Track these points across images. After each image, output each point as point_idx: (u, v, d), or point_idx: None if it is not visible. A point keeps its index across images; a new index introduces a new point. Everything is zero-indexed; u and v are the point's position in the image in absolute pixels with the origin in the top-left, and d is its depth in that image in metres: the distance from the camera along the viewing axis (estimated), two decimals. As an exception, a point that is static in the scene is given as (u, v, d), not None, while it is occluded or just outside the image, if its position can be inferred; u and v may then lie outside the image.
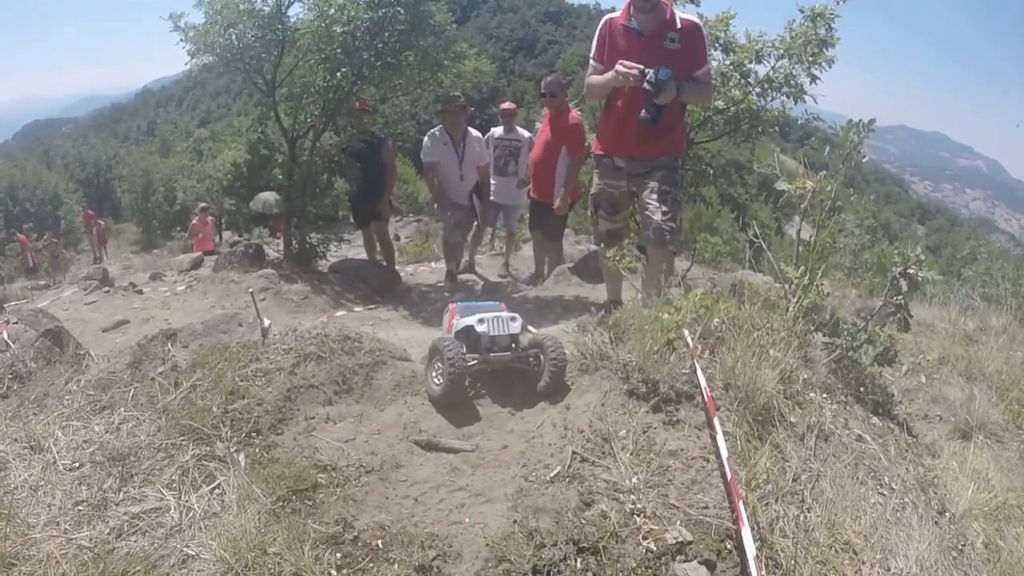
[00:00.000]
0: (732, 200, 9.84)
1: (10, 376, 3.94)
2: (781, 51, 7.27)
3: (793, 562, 2.58)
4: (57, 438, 3.17)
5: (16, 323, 5.00)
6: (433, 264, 11.03)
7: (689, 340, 3.34)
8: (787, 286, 4.08)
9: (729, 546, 2.50)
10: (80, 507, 2.73)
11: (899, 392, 4.56)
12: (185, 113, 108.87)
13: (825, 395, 3.64)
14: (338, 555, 2.34)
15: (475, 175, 8.20)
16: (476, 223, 8.68)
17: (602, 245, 5.30)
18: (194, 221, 16.63)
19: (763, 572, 2.37)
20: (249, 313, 4.67)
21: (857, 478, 3.21)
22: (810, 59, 7.04)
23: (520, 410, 3.34)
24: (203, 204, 17.57)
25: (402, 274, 9.69)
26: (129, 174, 38.09)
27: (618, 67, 4.61)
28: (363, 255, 10.14)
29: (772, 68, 7.37)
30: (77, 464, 2.97)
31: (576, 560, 2.29)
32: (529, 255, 9.43)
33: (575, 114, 7.55)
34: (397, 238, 12.96)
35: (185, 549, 2.42)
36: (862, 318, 4.46)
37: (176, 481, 2.73)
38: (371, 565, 2.34)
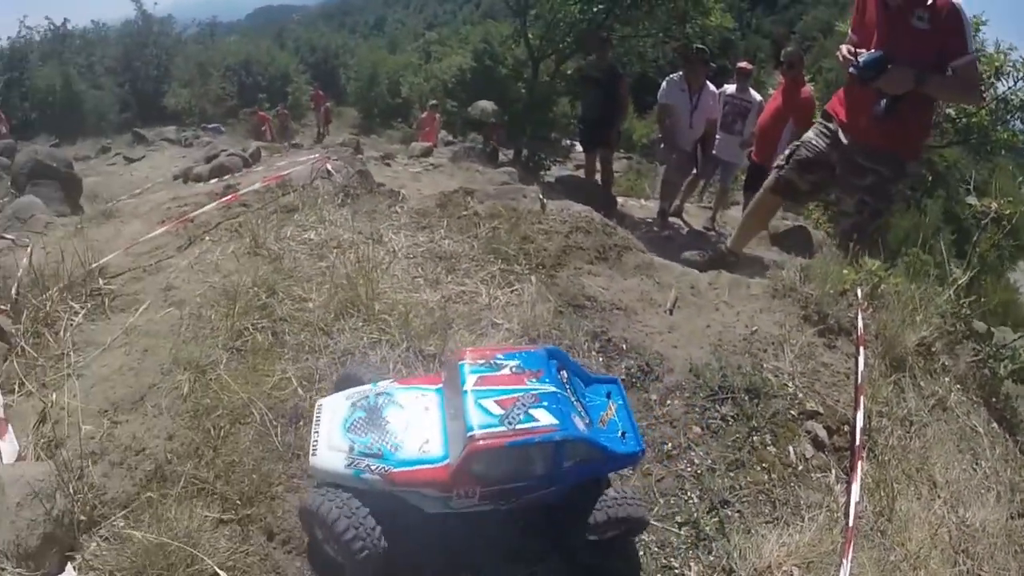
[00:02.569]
0: (956, 220, 9.54)
1: (343, 193, 5.35)
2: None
3: (886, 459, 3.48)
4: (391, 238, 4.53)
5: (336, 160, 6.51)
6: (643, 201, 11.62)
7: (859, 294, 4.26)
8: (949, 279, 4.62)
9: (845, 428, 3.47)
10: (418, 280, 4.05)
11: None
12: (412, 14, 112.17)
13: (958, 385, 4.29)
14: (597, 345, 3.59)
15: (703, 126, 8.60)
16: (695, 171, 9.20)
17: (769, 189, 5.33)
18: (423, 115, 18.22)
19: (864, 450, 3.32)
20: (526, 191, 5.89)
21: (957, 447, 3.89)
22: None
23: (719, 309, 4.22)
24: (433, 101, 18.93)
25: (616, 202, 10.32)
26: (357, 63, 40.85)
27: (840, 49, 4.53)
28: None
29: (1010, 89, 7.18)
30: (412, 256, 4.30)
31: (743, 395, 3.39)
32: (735, 216, 9.80)
33: (808, 88, 7.90)
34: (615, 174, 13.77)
35: (493, 319, 3.70)
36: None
37: (487, 280, 4.03)
38: (617, 357, 3.55)
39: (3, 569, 2.33)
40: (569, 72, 10.71)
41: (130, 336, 3.84)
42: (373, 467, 2.40)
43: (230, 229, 4.99)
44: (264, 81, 35.12)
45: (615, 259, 4.56)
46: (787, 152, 5.20)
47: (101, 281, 4.44)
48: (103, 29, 41.29)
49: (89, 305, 4.16)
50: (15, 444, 3.03)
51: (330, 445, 2.49)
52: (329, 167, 6.11)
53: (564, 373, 2.63)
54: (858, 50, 4.37)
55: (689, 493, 2.97)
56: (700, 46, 8.81)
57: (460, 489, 2.39)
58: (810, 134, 5.06)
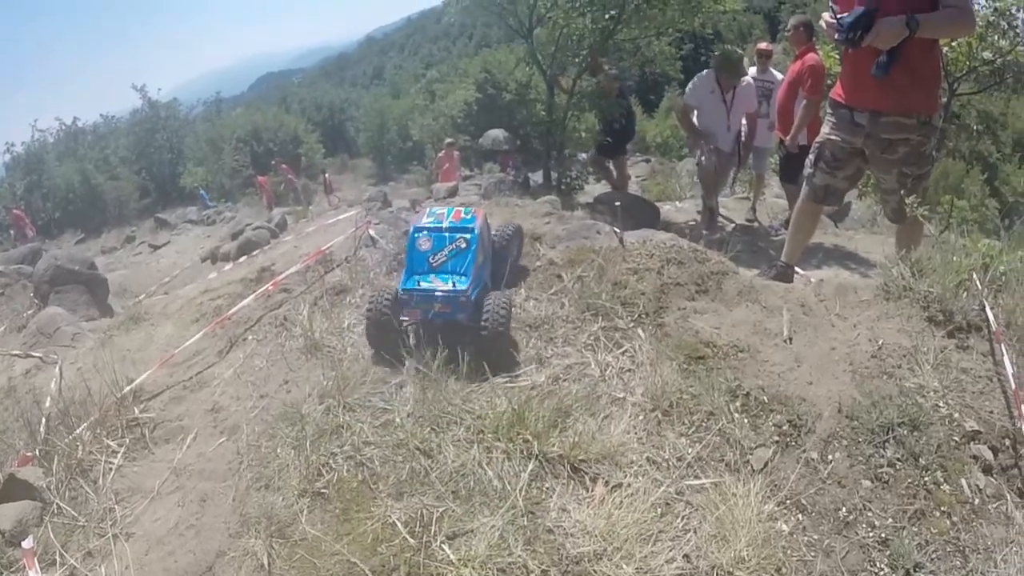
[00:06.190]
0: (982, 159, 9.30)
1: (396, 261, 4.97)
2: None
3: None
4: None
5: (379, 223, 6.08)
6: (678, 204, 11.35)
7: (978, 283, 3.85)
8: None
9: (1007, 442, 3.08)
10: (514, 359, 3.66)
11: None
12: (408, 58, 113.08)
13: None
14: (737, 404, 3.21)
15: (740, 122, 8.30)
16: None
17: (809, 200, 4.93)
18: (440, 155, 18.06)
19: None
20: (599, 226, 5.43)
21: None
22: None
23: (835, 325, 3.83)
24: (449, 139, 18.82)
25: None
26: (364, 114, 41.47)
27: (822, 17, 4.27)
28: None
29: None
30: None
31: (903, 430, 3.04)
32: (774, 203, 9.75)
33: (812, 55, 7.53)
34: (629, 177, 13.62)
35: (612, 392, 3.29)
36: None
37: (591, 345, 3.62)
38: (762, 414, 3.20)
39: None
40: (594, 86, 10.38)
41: (181, 478, 3.42)
42: None
43: (275, 323, 4.65)
44: (275, 147, 35.69)
45: (715, 288, 4.20)
46: (811, 157, 4.80)
47: (137, 409, 4.03)
48: (113, 122, 43.29)
49: (128, 440, 3.74)
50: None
51: None
52: (372, 232, 5.68)
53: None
54: (840, 14, 4.03)
55: (878, 564, 2.63)
56: (740, 54, 8.48)
57: None
58: (826, 129, 4.68)
